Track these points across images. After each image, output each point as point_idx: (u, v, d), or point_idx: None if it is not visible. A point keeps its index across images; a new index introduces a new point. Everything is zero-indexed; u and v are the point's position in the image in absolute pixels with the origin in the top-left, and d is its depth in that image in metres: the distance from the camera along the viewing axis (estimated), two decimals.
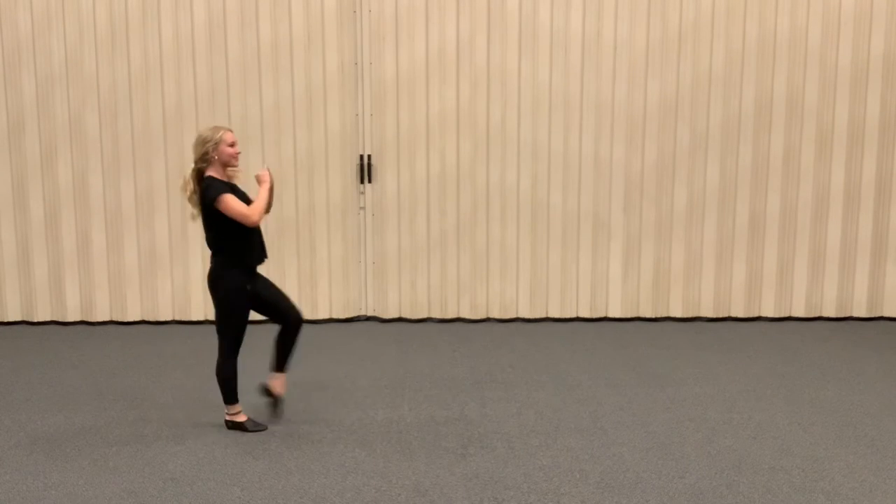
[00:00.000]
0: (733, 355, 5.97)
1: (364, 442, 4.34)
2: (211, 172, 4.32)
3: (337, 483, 3.85)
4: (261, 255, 4.50)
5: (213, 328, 6.78)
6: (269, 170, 4.52)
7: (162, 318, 6.98)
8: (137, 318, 6.98)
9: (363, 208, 6.87)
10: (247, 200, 4.41)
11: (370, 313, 7.03)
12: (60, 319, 6.99)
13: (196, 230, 6.87)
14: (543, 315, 7.02)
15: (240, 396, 4.55)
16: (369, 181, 6.84)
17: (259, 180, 4.44)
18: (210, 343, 6.38)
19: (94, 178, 6.81)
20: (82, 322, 7.00)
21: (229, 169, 4.40)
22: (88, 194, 6.83)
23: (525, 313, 7.02)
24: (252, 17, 6.67)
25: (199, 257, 6.88)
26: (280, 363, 4.60)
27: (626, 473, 3.93)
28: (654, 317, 7.03)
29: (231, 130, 4.39)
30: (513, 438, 4.37)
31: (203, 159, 4.30)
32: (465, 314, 7.01)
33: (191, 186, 4.34)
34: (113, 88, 6.72)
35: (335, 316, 7.00)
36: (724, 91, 6.76)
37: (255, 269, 4.49)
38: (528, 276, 6.96)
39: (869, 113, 6.77)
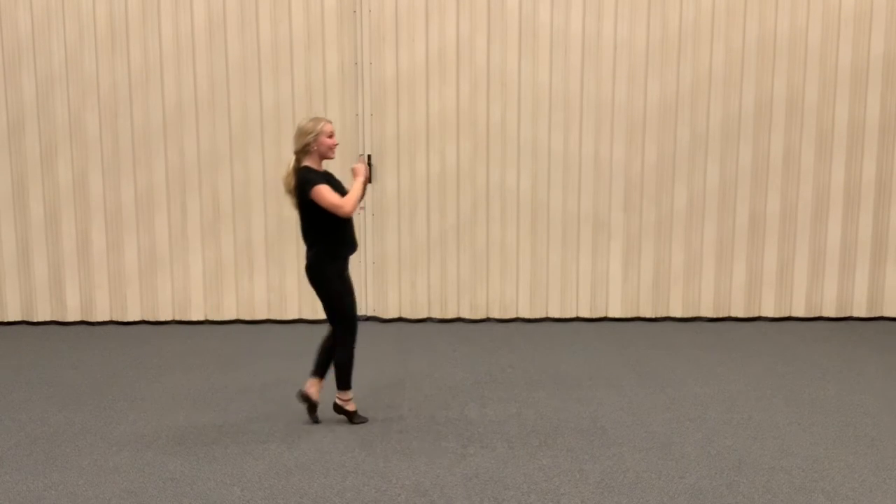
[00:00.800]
0: (733, 355, 5.97)
1: (364, 442, 4.34)
2: (307, 163, 4.39)
3: (337, 483, 3.85)
4: (353, 245, 4.53)
5: (213, 328, 6.84)
6: (368, 159, 4.52)
7: (162, 318, 6.98)
8: (137, 318, 6.98)
9: (363, 208, 6.86)
10: (342, 191, 4.44)
11: (370, 313, 7.02)
12: (60, 319, 6.99)
13: (194, 230, 6.88)
14: (543, 315, 7.02)
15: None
16: (369, 181, 6.84)
17: (354, 173, 4.47)
18: (210, 344, 6.40)
19: (94, 178, 6.81)
20: (82, 322, 7.00)
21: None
22: (88, 194, 6.83)
23: (525, 313, 7.01)
24: (252, 17, 6.67)
25: (199, 257, 6.89)
26: (317, 368, 4.63)
27: (626, 473, 3.93)
28: (654, 317, 7.03)
29: (330, 122, 4.46)
30: (513, 438, 4.37)
31: (304, 150, 4.38)
32: (465, 314, 7.01)
33: (293, 178, 4.38)
34: (113, 88, 6.73)
35: None
36: (724, 91, 6.76)
37: (347, 259, 4.53)
38: (528, 276, 6.96)
39: (869, 113, 6.77)
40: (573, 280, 6.97)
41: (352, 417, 4.60)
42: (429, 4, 6.68)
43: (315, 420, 4.62)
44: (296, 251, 6.90)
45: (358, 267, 6.94)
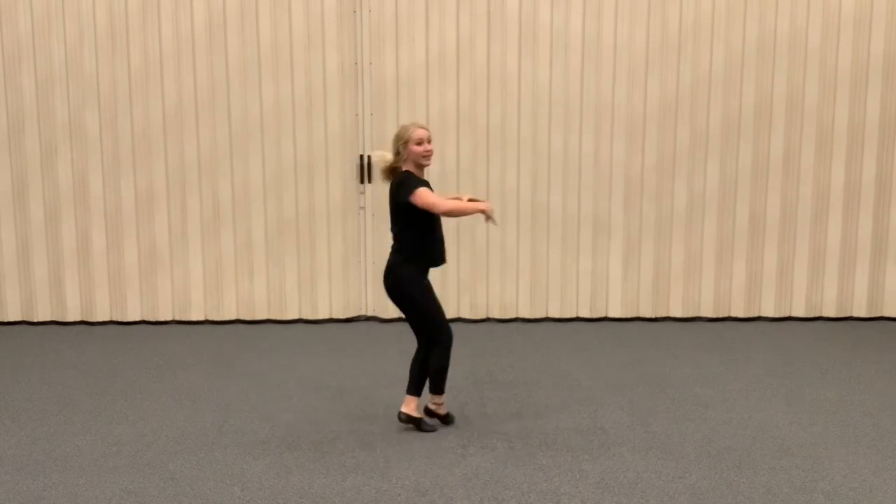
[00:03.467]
0: (733, 355, 5.97)
1: (364, 442, 4.34)
2: (407, 168, 4.31)
3: (337, 483, 3.85)
4: (439, 258, 4.41)
5: (213, 328, 6.84)
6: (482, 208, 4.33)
7: (162, 318, 6.98)
8: (137, 318, 6.98)
9: (363, 208, 6.87)
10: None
11: (370, 313, 7.02)
12: (60, 319, 6.99)
13: (194, 230, 6.88)
14: (543, 315, 7.02)
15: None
16: (369, 181, 6.84)
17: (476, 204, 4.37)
18: (210, 344, 6.40)
19: (94, 178, 6.81)
20: (82, 322, 7.00)
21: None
22: (88, 194, 6.83)
23: (525, 313, 7.01)
24: (252, 17, 6.67)
25: (199, 257, 6.89)
26: (410, 385, 4.52)
27: (626, 473, 3.93)
28: (654, 317, 7.02)
29: (423, 127, 4.31)
30: (513, 438, 4.37)
31: (397, 155, 4.31)
32: (465, 314, 7.01)
33: (384, 176, 4.39)
34: (113, 88, 6.72)
35: (335, 316, 7.00)
36: (724, 91, 6.76)
37: (428, 270, 4.41)
38: (528, 276, 6.96)
39: (869, 113, 6.77)
40: (573, 280, 6.97)
41: (444, 419, 4.56)
42: (429, 5, 6.68)
43: (431, 428, 4.52)
44: (295, 251, 6.90)
45: (358, 267, 6.94)
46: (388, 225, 4.27)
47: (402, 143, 4.27)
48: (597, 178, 6.85)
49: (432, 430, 4.49)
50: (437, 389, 4.48)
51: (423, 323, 4.42)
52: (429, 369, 4.44)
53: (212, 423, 4.63)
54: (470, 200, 4.43)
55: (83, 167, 6.80)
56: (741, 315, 7.01)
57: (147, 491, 3.77)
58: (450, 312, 6.96)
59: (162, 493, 3.74)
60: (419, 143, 4.26)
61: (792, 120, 6.78)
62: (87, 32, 6.66)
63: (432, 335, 4.41)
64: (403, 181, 4.26)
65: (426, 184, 4.30)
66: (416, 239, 4.33)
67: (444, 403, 4.54)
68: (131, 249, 6.89)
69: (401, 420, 4.48)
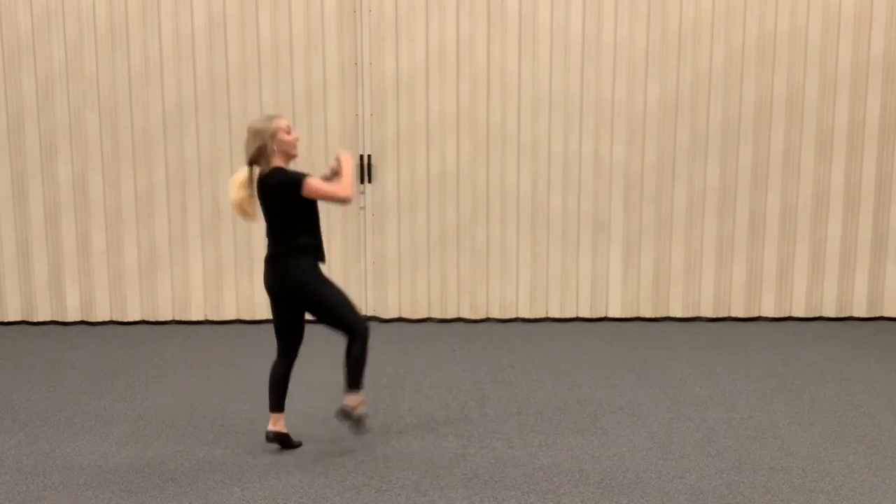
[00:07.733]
0: (733, 355, 5.97)
1: (364, 442, 4.34)
2: (277, 164, 3.95)
3: (337, 483, 3.85)
4: (323, 253, 4.15)
5: (213, 328, 6.84)
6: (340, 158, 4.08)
7: (162, 318, 6.98)
8: (137, 318, 6.98)
9: (363, 208, 6.87)
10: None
11: (370, 313, 7.02)
12: (60, 319, 6.99)
13: (194, 230, 6.88)
14: (543, 315, 7.02)
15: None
16: (369, 181, 6.84)
17: (340, 163, 4.06)
18: (210, 344, 6.39)
19: (94, 178, 6.81)
20: (82, 322, 7.00)
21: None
22: (88, 194, 6.83)
23: (525, 313, 7.01)
24: (252, 17, 6.67)
25: (199, 257, 6.89)
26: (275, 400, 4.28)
27: (626, 473, 3.93)
28: (654, 317, 7.02)
29: (284, 116, 4.02)
30: (513, 438, 4.37)
31: (259, 155, 3.94)
32: (465, 314, 7.01)
33: (249, 189, 3.97)
34: (113, 88, 6.73)
35: None
36: (724, 91, 6.76)
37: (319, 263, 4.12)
38: (528, 276, 6.96)
39: (869, 113, 6.77)
40: (573, 280, 6.97)
41: (359, 423, 4.22)
42: (429, 4, 6.68)
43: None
44: None
45: (358, 267, 6.94)
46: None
47: (269, 136, 3.89)
48: (597, 178, 6.85)
49: (298, 445, 4.24)
50: (357, 384, 4.13)
51: (337, 316, 4.10)
52: (350, 361, 4.11)
53: (212, 423, 4.63)
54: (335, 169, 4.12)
55: (83, 167, 6.80)
56: (741, 315, 7.00)
57: (147, 491, 3.77)
58: (450, 312, 6.98)
59: (162, 493, 3.74)
60: (288, 132, 3.96)
61: (792, 120, 6.78)
62: (87, 32, 6.67)
63: (350, 327, 4.13)
64: (285, 176, 3.91)
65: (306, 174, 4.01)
66: (309, 232, 4.01)
67: (363, 401, 4.18)
68: (131, 249, 6.89)
69: (269, 440, 4.19)
